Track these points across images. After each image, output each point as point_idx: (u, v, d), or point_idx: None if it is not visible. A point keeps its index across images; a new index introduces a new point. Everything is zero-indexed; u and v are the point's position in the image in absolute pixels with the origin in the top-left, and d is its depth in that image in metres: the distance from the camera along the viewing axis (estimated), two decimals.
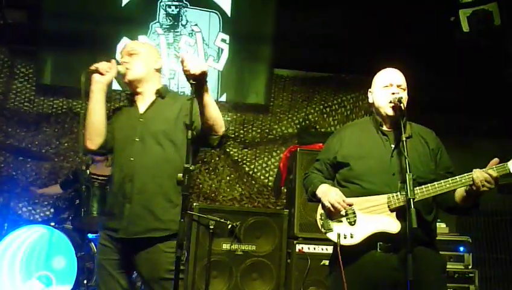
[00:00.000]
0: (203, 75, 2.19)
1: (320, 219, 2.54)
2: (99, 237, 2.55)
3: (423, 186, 2.36)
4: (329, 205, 2.46)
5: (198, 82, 2.20)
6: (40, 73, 5.09)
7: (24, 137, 5.03)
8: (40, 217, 4.92)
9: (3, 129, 5.02)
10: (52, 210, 4.82)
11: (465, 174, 2.33)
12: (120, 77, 2.58)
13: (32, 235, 4.25)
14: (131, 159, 2.46)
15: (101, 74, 2.46)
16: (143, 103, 2.59)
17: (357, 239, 2.43)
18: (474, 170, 2.30)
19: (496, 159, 2.31)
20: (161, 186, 2.46)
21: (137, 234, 2.41)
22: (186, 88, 4.90)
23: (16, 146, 4.85)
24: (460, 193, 2.39)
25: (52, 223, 4.16)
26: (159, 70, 2.66)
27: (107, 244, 2.46)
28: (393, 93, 2.50)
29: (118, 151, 2.53)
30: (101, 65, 2.48)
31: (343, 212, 2.46)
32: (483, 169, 2.29)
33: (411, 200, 2.20)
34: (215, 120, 2.37)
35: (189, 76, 2.18)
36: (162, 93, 2.60)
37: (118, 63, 2.56)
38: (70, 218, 4.31)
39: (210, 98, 2.32)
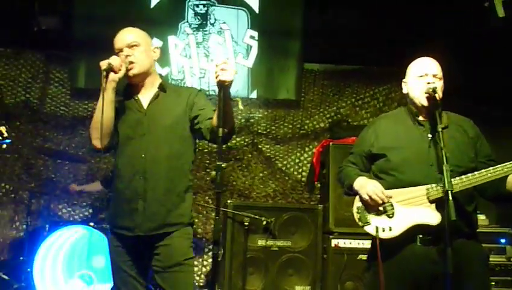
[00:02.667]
0: (231, 83, 2.22)
1: (357, 212, 2.51)
2: (110, 237, 2.53)
3: (463, 176, 2.31)
4: (368, 198, 2.42)
5: (226, 88, 2.22)
6: (74, 77, 5.21)
7: (61, 140, 5.15)
8: (80, 218, 5.02)
9: (41, 133, 5.15)
10: (90, 211, 4.93)
11: (507, 163, 2.27)
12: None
13: (72, 236, 4.35)
14: (143, 155, 2.44)
15: (115, 71, 2.41)
16: (145, 97, 2.55)
17: (396, 232, 2.39)
18: None
19: None
20: (172, 181, 2.48)
21: (153, 230, 2.43)
22: (216, 87, 4.93)
23: (54, 149, 4.98)
24: None
25: (91, 223, 4.24)
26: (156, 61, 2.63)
27: (120, 245, 2.47)
28: (428, 83, 2.46)
29: (125, 146, 2.48)
30: (114, 61, 2.40)
31: (381, 205, 2.43)
32: None
33: (449, 192, 2.16)
34: (232, 123, 2.38)
35: (219, 82, 2.20)
36: (164, 87, 2.59)
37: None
38: None
39: (230, 104, 2.32)
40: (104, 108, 2.36)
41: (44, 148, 4.99)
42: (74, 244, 4.40)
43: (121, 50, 2.50)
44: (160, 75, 2.67)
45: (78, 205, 5.06)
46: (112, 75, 2.40)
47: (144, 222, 2.43)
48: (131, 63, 2.47)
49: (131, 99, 2.56)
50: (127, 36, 2.53)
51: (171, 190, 2.48)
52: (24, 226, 4.63)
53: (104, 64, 2.38)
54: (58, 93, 5.29)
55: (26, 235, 4.40)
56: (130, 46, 2.49)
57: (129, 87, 2.59)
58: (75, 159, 4.97)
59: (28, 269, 4.11)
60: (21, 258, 4.25)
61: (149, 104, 2.54)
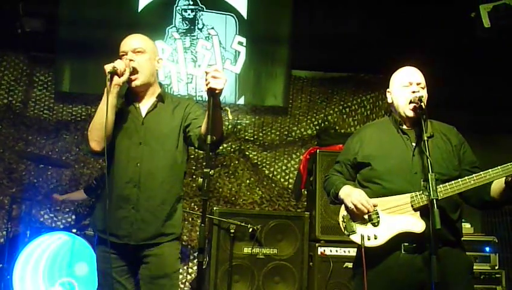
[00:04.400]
0: (222, 91, 2.24)
1: (343, 221, 2.55)
2: (97, 244, 2.54)
3: (447, 183, 2.36)
4: (353, 206, 2.46)
5: (216, 96, 2.23)
6: (59, 81, 5.18)
7: (44, 145, 5.11)
8: (62, 224, 4.98)
9: (23, 137, 5.11)
10: (73, 217, 4.90)
11: (490, 170, 2.31)
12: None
13: (54, 243, 4.32)
14: (138, 164, 2.46)
15: (119, 75, 2.41)
16: (144, 105, 2.57)
17: (381, 240, 2.43)
18: None
19: None
20: (168, 192, 2.52)
21: (145, 240, 2.46)
22: (204, 93, 4.95)
23: (37, 154, 4.95)
24: (497, 186, 2.37)
25: (74, 230, 4.23)
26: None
27: (108, 251, 2.45)
28: (413, 92, 2.50)
29: (119, 154, 2.49)
30: (119, 65, 2.42)
31: (366, 214, 2.47)
32: None
33: (434, 200, 2.20)
34: (221, 130, 2.40)
35: (210, 89, 2.21)
36: (163, 97, 2.61)
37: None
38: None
39: (219, 111, 2.34)
40: (107, 110, 2.35)
41: (27, 153, 4.95)
42: (56, 251, 4.36)
43: (125, 53, 2.51)
44: (161, 85, 2.69)
45: (61, 211, 5.02)
46: (115, 78, 2.41)
47: (136, 232, 2.45)
48: (134, 69, 2.48)
49: (131, 106, 2.57)
50: (134, 41, 2.56)
51: (166, 201, 2.52)
52: (4, 233, 4.58)
53: (108, 67, 2.40)
54: (41, 96, 5.25)
55: (6, 241, 4.35)
56: (135, 52, 2.52)
57: (130, 93, 2.60)
58: (58, 164, 4.93)
59: (8, 277, 4.07)
60: (1, 265, 4.20)
61: (147, 113, 2.56)
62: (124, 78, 2.44)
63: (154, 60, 2.60)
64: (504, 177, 2.30)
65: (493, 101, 5.18)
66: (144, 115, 2.56)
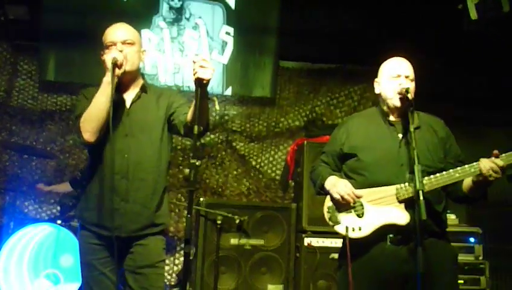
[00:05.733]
0: (209, 80, 2.23)
1: (328, 211, 2.57)
2: (82, 235, 2.54)
3: (432, 176, 2.39)
4: (339, 197, 2.48)
5: (204, 86, 2.23)
6: (43, 70, 5.12)
7: (28, 135, 5.05)
8: (47, 215, 4.95)
9: (7, 127, 5.05)
10: (58, 208, 4.86)
11: (474, 163, 2.35)
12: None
13: (39, 234, 4.29)
14: (125, 156, 2.47)
15: (119, 67, 2.41)
16: (128, 96, 2.58)
17: (366, 232, 2.45)
18: (481, 159, 2.33)
19: (496, 151, 2.32)
20: (156, 183, 2.53)
21: (135, 231, 2.47)
22: (191, 83, 4.92)
23: (21, 144, 4.89)
24: (468, 183, 2.42)
25: (59, 221, 4.19)
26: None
27: (95, 242, 2.47)
28: (400, 84, 2.52)
29: (105, 145, 2.47)
30: (119, 56, 2.42)
31: (351, 205, 2.49)
32: (490, 158, 2.31)
33: (420, 191, 2.22)
34: (207, 120, 2.41)
35: (197, 79, 2.20)
36: (146, 88, 2.62)
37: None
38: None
39: (206, 102, 2.34)
40: (104, 102, 2.36)
41: (11, 143, 4.90)
42: (41, 243, 4.33)
43: (113, 44, 2.49)
44: (143, 76, 2.69)
45: (45, 202, 4.98)
46: (116, 70, 2.40)
47: (127, 224, 2.45)
48: (125, 59, 2.46)
49: (116, 98, 2.53)
50: (124, 32, 2.54)
51: (155, 191, 2.53)
52: None
53: (109, 58, 2.39)
54: (26, 86, 5.18)
55: None
56: (126, 43, 2.50)
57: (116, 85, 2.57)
58: (43, 155, 4.89)
59: None
60: None
61: (131, 104, 2.57)
62: (123, 69, 2.44)
63: (140, 51, 2.61)
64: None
65: (480, 95, 5.23)
66: (128, 106, 2.56)
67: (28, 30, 5.05)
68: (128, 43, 2.51)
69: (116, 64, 2.39)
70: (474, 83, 5.25)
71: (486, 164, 2.29)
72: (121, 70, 2.43)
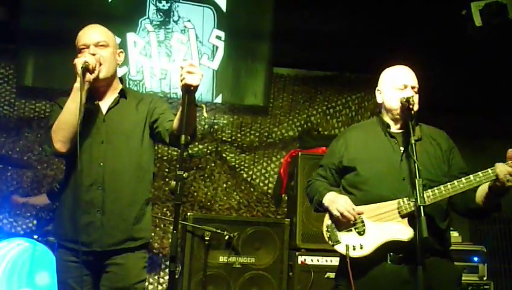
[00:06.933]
0: (197, 87, 2.22)
1: (327, 230, 2.55)
2: (58, 252, 2.51)
3: (435, 188, 2.38)
4: (338, 214, 2.47)
5: (191, 92, 2.22)
6: (21, 74, 5.08)
7: (4, 143, 5.01)
8: (23, 230, 4.90)
9: None
10: (35, 222, 4.81)
11: (482, 172, 2.33)
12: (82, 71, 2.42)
13: (13, 249, 4.24)
14: (101, 164, 2.45)
15: (90, 71, 2.39)
16: (104, 102, 2.56)
17: (367, 250, 2.44)
18: (496, 164, 2.30)
19: (510, 154, 2.30)
20: (135, 193, 2.51)
21: (112, 245, 2.44)
22: (178, 89, 4.91)
23: None
24: (482, 192, 2.40)
25: (36, 236, 4.16)
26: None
27: (71, 259, 2.44)
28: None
29: (81, 154, 2.43)
30: (91, 60, 2.40)
31: (352, 222, 2.47)
32: (506, 163, 2.28)
33: (421, 207, 2.21)
34: (194, 129, 2.42)
35: (185, 85, 2.19)
36: (125, 93, 2.60)
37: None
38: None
39: (194, 109, 2.33)
40: (74, 108, 2.34)
41: None
42: (15, 259, 4.28)
43: (86, 47, 2.48)
44: (121, 80, 2.67)
45: (21, 215, 4.93)
46: (87, 75, 2.39)
47: (103, 237, 2.43)
48: (99, 64, 2.44)
49: (89, 104, 2.52)
50: (97, 34, 2.53)
51: (134, 202, 2.50)
52: None
53: (80, 62, 2.37)
54: (2, 91, 5.15)
55: None
56: (99, 45, 2.49)
57: (88, 90, 2.52)
58: (19, 165, 4.85)
59: None
60: None
61: (108, 110, 2.54)
62: (95, 74, 2.42)
63: (116, 53, 2.59)
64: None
65: (482, 105, 5.26)
66: (104, 112, 2.54)
67: (5, 32, 5.01)
68: (101, 45, 2.49)
69: (87, 69, 2.37)
70: (475, 90, 5.28)
71: (503, 169, 2.26)
72: (94, 75, 2.42)
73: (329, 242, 2.54)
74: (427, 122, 2.70)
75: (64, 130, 2.39)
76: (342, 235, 2.50)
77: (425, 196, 2.28)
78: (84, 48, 2.48)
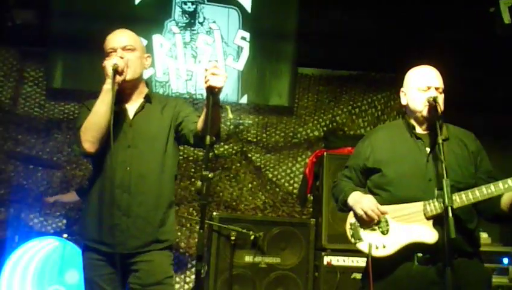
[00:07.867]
0: (222, 89, 2.24)
1: (350, 228, 2.55)
2: (84, 251, 2.56)
3: (462, 192, 2.35)
4: (362, 213, 2.46)
5: (216, 94, 2.24)
6: (51, 76, 5.18)
7: (34, 144, 5.10)
8: (52, 229, 4.97)
9: (12, 136, 5.11)
10: (64, 221, 4.90)
11: (511, 179, 2.29)
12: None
13: (44, 248, 4.32)
14: (127, 168, 2.48)
15: (119, 73, 2.44)
16: (131, 106, 2.59)
17: (390, 250, 2.42)
18: None
19: None
20: (160, 197, 2.54)
21: (137, 248, 2.48)
22: (204, 90, 4.95)
23: (26, 154, 4.95)
24: (508, 199, 2.36)
25: (65, 235, 4.22)
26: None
27: (98, 258, 2.48)
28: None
29: (107, 157, 2.47)
30: (120, 62, 2.44)
31: (376, 222, 2.46)
32: None
33: (449, 208, 2.19)
34: (219, 129, 2.46)
35: (209, 87, 2.21)
36: (150, 97, 2.63)
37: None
38: None
39: (218, 110, 2.36)
40: (105, 110, 2.38)
41: (16, 153, 4.96)
42: (46, 258, 4.36)
43: (114, 50, 2.52)
44: (147, 84, 2.71)
45: (51, 215, 5.02)
46: (117, 76, 2.43)
47: (129, 240, 2.46)
48: (127, 67, 2.48)
49: (117, 107, 2.54)
50: (124, 38, 2.57)
51: (158, 205, 2.53)
52: None
53: (110, 64, 2.41)
54: (32, 93, 5.25)
55: None
56: (126, 49, 2.53)
57: (116, 93, 2.58)
58: (49, 165, 4.94)
59: None
60: None
61: (135, 114, 2.58)
62: (124, 76, 2.46)
63: (143, 57, 2.63)
64: None
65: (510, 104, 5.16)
66: (131, 116, 2.58)
67: (35, 35, 5.12)
68: (128, 49, 2.53)
69: (116, 71, 2.41)
70: (505, 91, 5.18)
71: None
72: (122, 77, 2.45)
73: (352, 240, 2.53)
74: (455, 123, 2.66)
75: (93, 130, 2.43)
76: (365, 234, 2.49)
77: (452, 198, 2.25)
78: (111, 52, 2.52)
